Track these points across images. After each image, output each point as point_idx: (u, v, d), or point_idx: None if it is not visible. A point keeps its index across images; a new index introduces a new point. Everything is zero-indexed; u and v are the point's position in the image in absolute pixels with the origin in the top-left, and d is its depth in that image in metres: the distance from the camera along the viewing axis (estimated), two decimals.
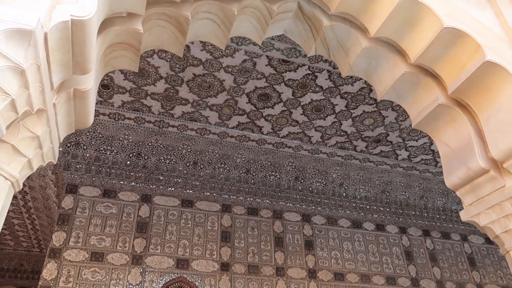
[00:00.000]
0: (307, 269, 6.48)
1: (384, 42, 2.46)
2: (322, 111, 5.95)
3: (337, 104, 5.83)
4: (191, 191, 6.45)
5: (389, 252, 7.23)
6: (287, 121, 6.12)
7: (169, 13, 2.06)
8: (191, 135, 6.27)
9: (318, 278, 6.45)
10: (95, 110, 5.70)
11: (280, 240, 6.61)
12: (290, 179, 6.98)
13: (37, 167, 1.61)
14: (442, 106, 2.36)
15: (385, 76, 2.59)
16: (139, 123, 5.99)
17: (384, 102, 5.83)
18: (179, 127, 6.11)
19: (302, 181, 7.04)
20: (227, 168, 6.64)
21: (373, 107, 5.92)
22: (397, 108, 5.93)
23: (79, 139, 5.97)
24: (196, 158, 6.47)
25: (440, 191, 7.91)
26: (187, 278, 5.73)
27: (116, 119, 5.88)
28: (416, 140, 6.71)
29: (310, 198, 7.10)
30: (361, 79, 5.36)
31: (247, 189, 6.75)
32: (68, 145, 5.95)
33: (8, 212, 8.36)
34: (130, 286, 5.42)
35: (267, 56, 4.94)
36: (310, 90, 5.54)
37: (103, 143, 6.07)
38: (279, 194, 6.92)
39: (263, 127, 6.22)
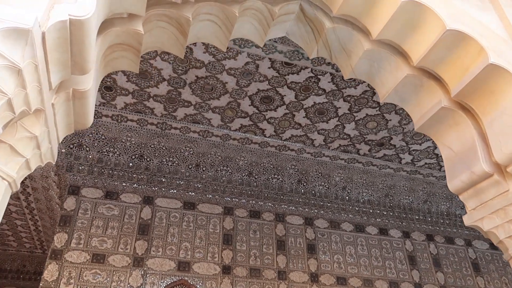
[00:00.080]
0: (309, 273, 6.44)
1: (387, 45, 2.44)
2: (325, 114, 5.93)
3: (340, 107, 5.80)
4: (193, 193, 6.44)
5: (392, 257, 7.17)
6: (290, 124, 6.10)
7: (170, 14, 2.06)
8: (193, 137, 6.27)
9: (320, 282, 6.40)
10: (98, 111, 5.71)
11: (282, 243, 6.58)
12: (293, 182, 6.96)
13: (35, 167, 1.60)
14: (445, 109, 2.34)
15: (387, 78, 2.57)
16: (141, 125, 6.00)
17: (388, 106, 5.80)
18: (181, 129, 6.11)
19: (304, 184, 7.02)
20: (230, 171, 6.62)
21: (376, 110, 5.89)
22: (401, 111, 5.90)
23: (81, 141, 5.98)
24: (199, 161, 6.47)
25: (444, 195, 7.85)
26: (189, 281, 5.70)
27: (119, 121, 5.89)
28: (420, 144, 6.67)
29: (312, 202, 7.07)
30: (364, 82, 5.33)
31: (249, 192, 6.73)
32: (71, 146, 5.96)
33: (11, 213, 8.39)
34: None
35: (270, 59, 4.93)
36: (313, 93, 5.52)
37: (106, 145, 6.08)
38: (282, 197, 6.90)
39: (265, 129, 6.21)
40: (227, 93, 5.47)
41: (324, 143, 6.56)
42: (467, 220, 2.36)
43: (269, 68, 5.06)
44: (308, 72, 5.16)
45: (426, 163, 7.17)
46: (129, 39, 1.89)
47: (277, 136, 6.37)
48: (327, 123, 6.11)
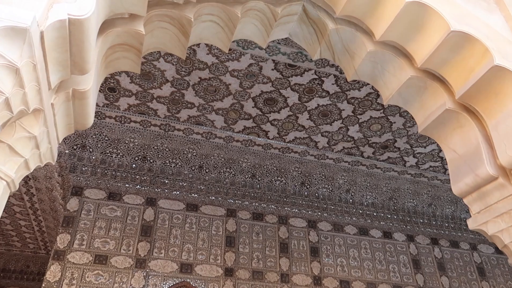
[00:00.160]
0: (312, 276, 6.40)
1: (390, 46, 2.42)
2: (329, 116, 5.91)
3: (344, 109, 5.78)
4: (196, 195, 6.43)
5: (396, 260, 7.11)
6: (293, 126, 6.08)
7: (172, 15, 2.05)
8: (196, 139, 6.27)
9: (323, 285, 6.36)
10: (101, 112, 5.73)
11: (285, 246, 6.55)
12: (296, 184, 6.93)
13: (34, 167, 1.60)
14: (449, 112, 2.31)
15: (391, 80, 2.54)
16: (145, 126, 6.00)
17: (392, 108, 5.76)
18: (184, 130, 6.10)
19: (308, 186, 6.98)
20: (233, 173, 6.61)
21: (381, 113, 5.86)
22: (405, 114, 5.86)
23: (85, 142, 6.00)
24: (202, 162, 6.46)
25: (449, 199, 7.79)
26: (191, 283, 5.69)
27: (122, 122, 5.90)
28: (424, 147, 6.62)
29: (316, 204, 7.03)
30: (368, 84, 5.31)
31: (252, 194, 6.71)
32: (74, 147, 5.98)
33: (15, 214, 8.43)
34: None
35: (273, 60, 4.92)
36: (317, 95, 5.50)
37: (109, 146, 6.09)
38: (285, 199, 6.87)
39: (269, 131, 6.19)
40: (230, 95, 5.46)
41: (327, 145, 6.53)
42: (472, 224, 2.33)
43: (272, 69, 5.05)
44: (312, 74, 5.14)
45: (430, 166, 7.12)
46: (130, 39, 1.88)
47: (281, 138, 6.35)
48: (330, 125, 6.08)
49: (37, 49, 1.27)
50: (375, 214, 7.35)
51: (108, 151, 6.09)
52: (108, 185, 6.05)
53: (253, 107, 5.70)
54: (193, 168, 6.43)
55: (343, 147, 6.58)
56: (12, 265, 10.61)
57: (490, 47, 2.05)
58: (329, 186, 7.10)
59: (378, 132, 6.24)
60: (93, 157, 6.04)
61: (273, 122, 6.00)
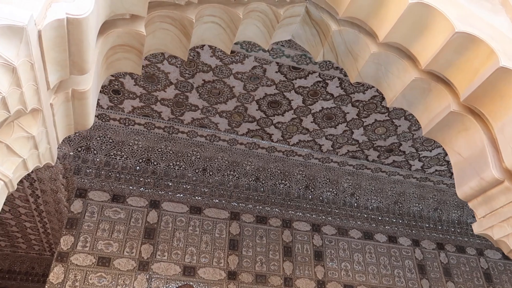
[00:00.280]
0: (316, 280, 6.34)
1: (394, 48, 2.40)
2: (333, 119, 5.87)
3: (348, 112, 5.74)
4: (199, 198, 6.42)
5: (401, 265, 7.03)
6: (297, 129, 6.05)
7: (173, 16, 2.04)
8: (200, 142, 6.26)
9: None
10: (106, 115, 5.75)
11: (289, 249, 6.51)
12: (300, 187, 6.89)
13: (33, 167, 1.59)
14: (454, 114, 2.27)
15: (394, 82, 2.52)
16: (149, 128, 6.01)
17: (397, 111, 5.72)
18: (188, 133, 6.10)
19: (312, 190, 6.94)
20: (236, 176, 6.59)
21: (385, 116, 5.81)
22: (410, 117, 5.81)
23: (89, 144, 6.02)
24: (205, 165, 6.45)
25: (455, 203, 7.70)
26: (194, 286, 5.66)
27: (126, 124, 5.91)
28: (430, 151, 6.56)
29: (320, 208, 6.99)
30: (372, 87, 5.27)
31: (256, 197, 6.68)
32: (79, 149, 6.00)
33: (20, 215, 8.48)
34: None
35: (277, 63, 4.91)
36: (321, 98, 5.47)
37: (113, 148, 6.10)
38: (289, 202, 6.83)
39: (273, 134, 6.17)
40: (234, 98, 5.46)
41: (332, 148, 6.49)
42: (477, 228, 2.28)
43: (276, 72, 5.04)
44: (316, 77, 5.12)
45: (436, 170, 7.05)
46: (131, 40, 1.88)
47: (285, 141, 6.32)
48: (335, 128, 6.05)
49: (35, 48, 1.27)
50: (380, 218, 7.28)
51: (112, 153, 6.10)
52: (112, 187, 6.06)
53: (257, 110, 5.69)
54: (196, 170, 6.43)
55: (348, 150, 6.54)
56: (17, 267, 10.67)
57: (495, 48, 2.02)
58: (334, 190, 7.05)
59: (383, 135, 6.19)
60: (97, 159, 6.06)
61: (277, 125, 5.98)
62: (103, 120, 5.84)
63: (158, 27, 2.05)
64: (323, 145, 6.41)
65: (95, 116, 5.75)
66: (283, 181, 6.81)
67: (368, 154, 6.63)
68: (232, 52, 4.72)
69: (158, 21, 2.02)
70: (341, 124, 5.96)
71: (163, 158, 6.28)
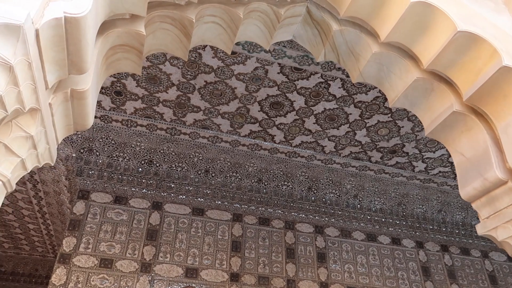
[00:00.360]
0: (319, 282, 6.31)
1: (396, 47, 2.38)
2: (336, 120, 5.85)
3: (351, 113, 5.72)
4: (202, 199, 6.41)
5: (405, 267, 6.98)
6: (300, 130, 6.04)
7: (173, 16, 2.04)
8: (202, 143, 6.26)
9: None
10: (108, 116, 5.76)
11: (291, 251, 6.48)
12: (303, 189, 6.87)
13: (31, 167, 1.59)
14: (456, 114, 2.25)
15: (396, 82, 2.50)
16: (151, 130, 6.02)
17: (400, 112, 5.69)
18: (190, 134, 6.10)
19: (315, 191, 6.92)
20: (239, 177, 6.58)
21: (388, 117, 5.79)
22: (413, 118, 5.78)
23: (92, 145, 6.03)
24: (208, 166, 6.44)
25: (459, 205, 7.65)
26: None
27: (129, 125, 5.92)
28: (434, 152, 6.52)
29: (323, 209, 6.96)
30: (375, 88, 5.25)
31: (258, 199, 6.66)
32: (81, 151, 6.01)
33: (23, 217, 8.50)
34: None
35: (279, 64, 4.90)
36: (323, 99, 5.46)
37: (116, 150, 6.11)
38: (292, 204, 6.81)
39: (275, 135, 6.16)
40: (236, 99, 5.45)
41: (334, 150, 6.46)
42: (480, 230, 2.26)
43: (278, 73, 5.03)
44: (318, 78, 5.11)
45: (440, 172, 7.00)
46: (131, 40, 1.87)
47: (287, 143, 6.31)
48: (337, 129, 6.02)
49: (32, 47, 1.26)
50: (383, 220, 7.24)
51: (114, 155, 6.11)
52: (114, 189, 6.06)
53: (259, 111, 5.68)
54: (199, 172, 6.42)
55: (351, 151, 6.51)
56: (20, 268, 10.69)
57: (498, 47, 2.00)
58: (337, 191, 7.02)
59: (386, 136, 6.16)
60: (100, 161, 6.07)
61: (279, 126, 5.97)
62: (105, 121, 5.85)
63: (158, 27, 2.04)
64: (325, 146, 6.38)
65: (98, 117, 5.76)
66: (285, 183, 6.79)
67: (371, 155, 6.60)
68: (234, 53, 4.72)
69: (158, 21, 2.02)
70: (343, 125, 5.93)
71: (165, 160, 6.28)
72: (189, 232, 6.09)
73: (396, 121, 5.86)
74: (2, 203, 7.97)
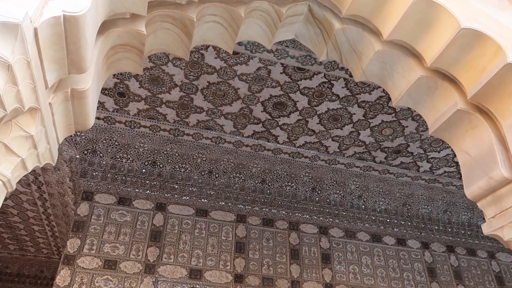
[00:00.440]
0: (324, 283, 6.28)
1: (399, 46, 2.35)
2: (339, 120, 5.83)
3: (354, 113, 5.69)
4: (205, 200, 6.40)
5: (411, 268, 6.93)
6: (303, 130, 6.01)
7: (174, 15, 2.03)
8: (206, 144, 6.25)
9: None
10: (111, 117, 5.77)
11: (296, 252, 6.45)
12: (307, 190, 6.84)
13: (32, 167, 1.58)
14: (461, 112, 2.22)
15: (400, 81, 2.47)
16: (154, 131, 6.02)
17: (404, 112, 5.65)
18: (194, 135, 6.10)
19: (319, 192, 6.89)
20: (242, 178, 6.57)
21: (392, 117, 5.75)
22: (418, 117, 5.74)
23: (95, 147, 6.05)
24: (211, 167, 6.44)
25: (465, 205, 7.58)
26: None
27: (132, 127, 5.93)
28: (438, 152, 6.47)
29: (327, 210, 6.93)
30: (379, 87, 5.22)
31: (262, 200, 6.64)
32: (85, 152, 6.03)
33: (28, 219, 8.54)
34: None
35: (282, 64, 4.88)
36: (327, 99, 5.43)
37: (119, 151, 6.12)
38: (296, 205, 6.78)
39: (278, 136, 6.14)
40: (239, 99, 5.44)
41: (338, 150, 6.43)
42: (486, 229, 2.23)
43: (281, 73, 5.01)
44: (321, 78, 5.09)
45: (445, 172, 6.95)
46: (132, 39, 1.86)
47: (291, 143, 6.28)
48: (341, 129, 5.99)
49: (31, 46, 1.26)
50: (388, 220, 7.19)
51: (118, 156, 6.12)
52: (118, 190, 6.07)
53: (262, 112, 5.66)
54: (202, 173, 6.42)
55: (355, 151, 6.48)
56: (26, 270, 10.74)
57: (502, 44, 1.97)
58: (341, 192, 6.99)
59: (390, 136, 6.12)
60: (104, 162, 6.08)
61: (282, 126, 5.95)
62: (109, 123, 5.86)
63: (159, 26, 2.03)
64: (329, 146, 6.36)
65: (101, 119, 5.77)
66: (289, 183, 6.76)
67: (375, 155, 6.56)
68: (236, 53, 4.71)
69: (159, 21, 2.01)
70: (347, 125, 5.91)
71: (169, 161, 6.28)
72: (193, 233, 6.08)
73: (400, 120, 5.82)
74: (8, 205, 8.02)
